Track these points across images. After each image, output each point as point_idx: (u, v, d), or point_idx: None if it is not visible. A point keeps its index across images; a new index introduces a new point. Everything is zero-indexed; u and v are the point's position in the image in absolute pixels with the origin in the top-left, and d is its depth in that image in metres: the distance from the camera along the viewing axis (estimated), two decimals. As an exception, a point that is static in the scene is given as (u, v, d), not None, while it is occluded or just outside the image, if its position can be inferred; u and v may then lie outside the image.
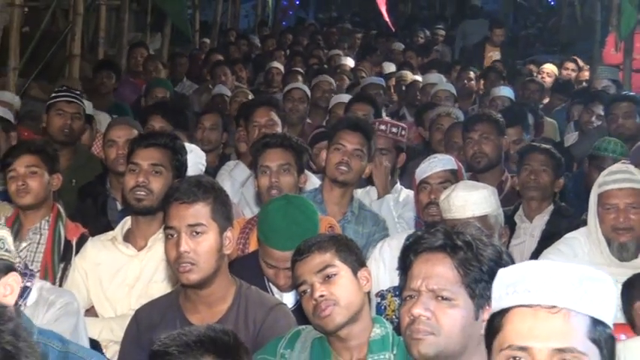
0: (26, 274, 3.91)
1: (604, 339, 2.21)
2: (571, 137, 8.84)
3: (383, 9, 7.63)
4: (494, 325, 2.26)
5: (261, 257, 4.29)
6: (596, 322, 2.21)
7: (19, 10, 9.25)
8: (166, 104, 7.70)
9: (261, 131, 6.17)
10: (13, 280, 3.03)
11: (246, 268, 4.29)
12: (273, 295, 4.17)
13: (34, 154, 5.11)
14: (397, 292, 4.48)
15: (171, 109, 7.12)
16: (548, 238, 5.29)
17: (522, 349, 2.18)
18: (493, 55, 14.26)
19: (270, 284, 4.27)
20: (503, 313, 2.24)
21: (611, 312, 2.25)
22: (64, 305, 3.89)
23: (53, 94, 6.90)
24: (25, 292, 3.82)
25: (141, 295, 4.38)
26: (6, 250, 3.04)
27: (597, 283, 2.24)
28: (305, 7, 23.71)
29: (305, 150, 5.14)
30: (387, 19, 7.89)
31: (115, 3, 13.11)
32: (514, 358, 2.19)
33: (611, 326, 2.25)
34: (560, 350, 2.17)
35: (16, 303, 3.11)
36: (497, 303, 2.28)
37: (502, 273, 2.31)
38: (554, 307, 2.19)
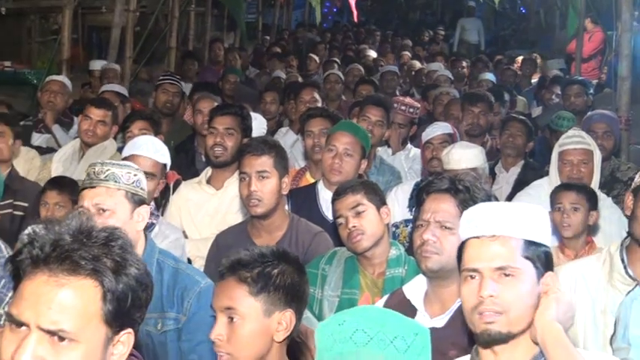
0: (154, 214, 3.90)
1: (537, 255, 2.16)
2: (536, 111, 8.77)
3: (352, 2, 7.44)
4: (460, 252, 2.23)
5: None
6: (529, 243, 2.16)
7: (133, 15, 9.33)
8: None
9: (306, 106, 6.16)
10: (145, 211, 3.05)
11: (302, 195, 4.34)
12: (326, 216, 4.15)
13: (144, 120, 5.11)
14: (408, 224, 4.45)
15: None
16: (519, 185, 5.24)
17: (474, 270, 2.16)
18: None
19: (324, 208, 4.23)
20: (464, 243, 2.22)
21: (543, 234, 2.19)
22: (174, 240, 3.90)
23: (161, 77, 6.84)
24: (151, 227, 3.82)
25: (219, 223, 4.36)
26: (141, 188, 3.06)
27: (530, 212, 2.19)
28: (340, 13, 23.56)
29: (339, 119, 5.08)
30: (355, 11, 7.72)
31: (200, 9, 13.16)
32: (471, 276, 2.16)
33: (548, 245, 2.20)
34: (500, 268, 2.13)
35: (146, 227, 3.12)
36: (461, 235, 2.25)
37: (465, 212, 2.27)
38: (493, 235, 2.16)
